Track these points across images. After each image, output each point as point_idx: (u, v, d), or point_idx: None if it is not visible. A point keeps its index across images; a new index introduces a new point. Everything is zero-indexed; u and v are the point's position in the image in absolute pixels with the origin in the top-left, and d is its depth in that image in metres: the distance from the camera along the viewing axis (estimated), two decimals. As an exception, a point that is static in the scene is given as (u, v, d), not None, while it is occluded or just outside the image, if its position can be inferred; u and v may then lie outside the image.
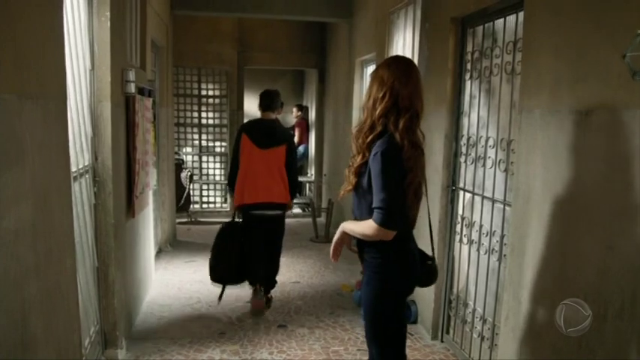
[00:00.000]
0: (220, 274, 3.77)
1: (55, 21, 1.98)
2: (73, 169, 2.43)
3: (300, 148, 9.11)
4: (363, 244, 2.13)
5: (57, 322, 1.97)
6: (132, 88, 3.21)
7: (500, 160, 2.80)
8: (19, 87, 1.65)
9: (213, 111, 7.76)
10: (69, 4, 2.38)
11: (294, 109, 8.94)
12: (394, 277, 2.11)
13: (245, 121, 5.41)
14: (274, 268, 4.13)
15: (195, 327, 3.66)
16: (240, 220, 3.95)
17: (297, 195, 6.82)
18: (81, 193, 2.62)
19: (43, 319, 1.83)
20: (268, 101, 3.99)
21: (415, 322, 3.78)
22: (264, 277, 4.03)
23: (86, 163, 2.71)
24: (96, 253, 2.89)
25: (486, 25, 2.96)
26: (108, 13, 2.81)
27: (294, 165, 4.09)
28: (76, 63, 2.51)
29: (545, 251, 2.31)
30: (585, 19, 2.05)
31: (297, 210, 8.32)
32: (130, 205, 3.38)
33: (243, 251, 3.79)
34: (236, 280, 3.81)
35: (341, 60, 6.62)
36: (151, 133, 4.03)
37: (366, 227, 2.02)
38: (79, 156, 2.56)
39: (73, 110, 2.44)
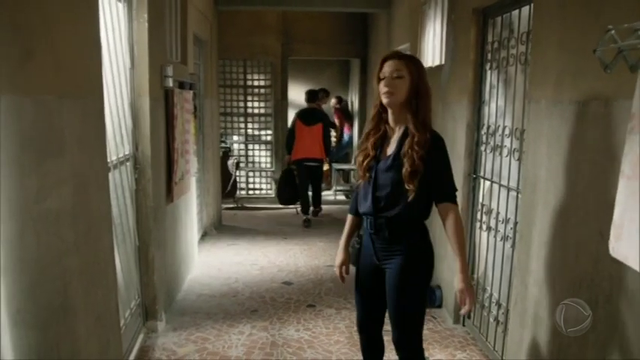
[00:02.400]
0: (285, 199, 6.71)
1: (92, 28, 2.24)
2: (114, 157, 2.72)
3: (345, 137, 9.28)
4: (404, 229, 2.22)
5: (95, 292, 2.25)
6: (170, 83, 3.48)
7: (514, 149, 2.86)
8: (59, 89, 1.91)
9: (259, 101, 8.05)
10: (108, 10, 2.65)
11: (334, 100, 9.19)
12: (432, 257, 2.30)
13: (294, 110, 7.44)
14: (317, 196, 6.78)
15: (230, 304, 3.94)
16: (294, 168, 6.53)
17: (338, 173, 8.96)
18: (122, 179, 2.91)
19: (83, 289, 2.11)
20: (309, 96, 6.65)
21: (440, 306, 3.90)
22: (312, 201, 6.73)
23: (126, 153, 3.00)
24: (137, 233, 3.20)
25: (504, 15, 3.01)
26: (146, 15, 3.07)
27: (328, 135, 6.64)
28: (116, 63, 2.79)
29: (548, 239, 2.38)
30: (586, 13, 2.10)
31: (340, 197, 8.51)
32: (170, 190, 3.67)
33: (296, 185, 6.54)
34: (293, 202, 6.76)
35: (381, 50, 6.70)
36: (192, 124, 4.32)
37: (459, 221, 2.19)
38: (119, 146, 2.85)
39: (113, 105, 2.73)
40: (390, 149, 2.24)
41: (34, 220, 1.69)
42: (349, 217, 2.50)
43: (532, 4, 2.56)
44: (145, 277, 3.31)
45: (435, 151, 2.16)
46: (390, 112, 2.24)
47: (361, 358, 2.58)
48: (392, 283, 2.25)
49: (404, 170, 2.13)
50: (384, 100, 2.18)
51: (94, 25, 2.25)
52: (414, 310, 2.28)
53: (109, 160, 2.54)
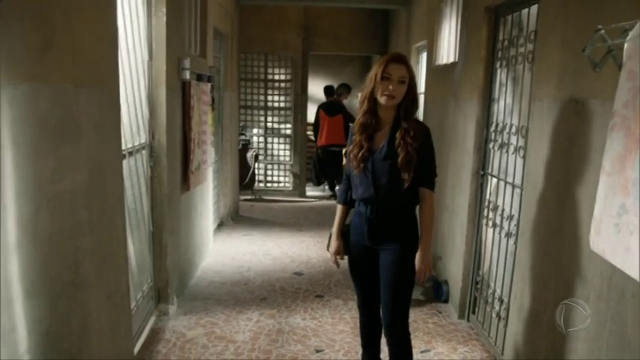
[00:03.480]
0: (317, 181, 8.00)
1: (110, 20, 2.35)
2: (129, 145, 2.84)
3: None
4: (400, 213, 2.38)
5: (107, 271, 2.38)
6: (187, 75, 3.59)
7: (519, 147, 2.89)
8: (77, 77, 2.02)
9: (279, 94, 8.15)
10: (127, 4, 2.77)
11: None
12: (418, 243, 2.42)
13: (314, 104, 8.32)
14: (339, 176, 7.24)
15: (241, 292, 4.05)
16: (320, 153, 7.62)
17: None
18: (137, 166, 3.04)
19: (95, 267, 2.23)
20: (327, 91, 7.74)
21: (446, 301, 3.94)
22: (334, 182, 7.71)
23: (142, 141, 3.12)
24: (151, 219, 3.33)
25: (514, 14, 3.03)
26: (164, 9, 3.19)
27: (348, 126, 7.19)
28: (134, 55, 2.91)
29: (547, 235, 2.42)
30: (585, 13, 2.13)
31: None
32: (186, 179, 3.80)
33: (323, 169, 7.71)
34: (320, 183, 8.12)
35: (401, 46, 6.73)
36: (209, 115, 4.43)
37: (431, 208, 2.37)
38: (135, 135, 2.98)
39: (130, 95, 2.85)
40: (383, 140, 2.36)
41: (49, 199, 1.81)
42: (340, 207, 2.62)
43: (538, 4, 2.59)
44: (158, 262, 3.44)
45: (424, 141, 2.32)
46: (383, 107, 2.35)
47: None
48: (389, 270, 2.40)
49: (399, 160, 2.28)
50: (384, 100, 2.30)
51: (111, 18, 2.36)
52: (407, 292, 2.46)
53: (125, 148, 2.66)
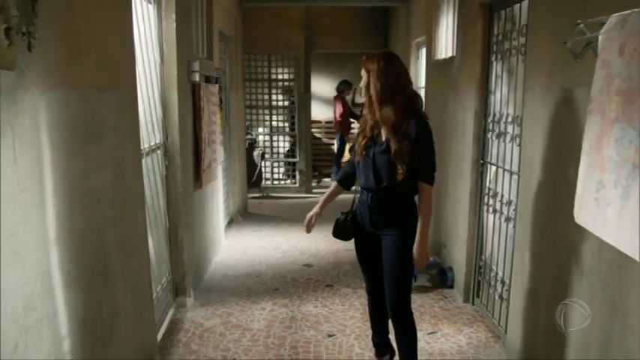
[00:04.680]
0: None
1: (127, 30, 2.52)
2: (146, 145, 3.01)
3: None
4: (398, 201, 2.53)
5: (130, 264, 2.55)
6: (196, 77, 3.76)
7: (516, 135, 3.04)
8: (99, 83, 2.19)
9: (283, 93, 8.30)
10: (140, 11, 2.93)
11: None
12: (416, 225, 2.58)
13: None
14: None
15: (254, 283, 4.22)
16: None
17: None
18: (153, 165, 3.20)
19: (120, 260, 2.40)
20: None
21: (452, 286, 4.09)
22: None
23: (157, 141, 3.29)
24: (167, 216, 3.50)
25: (508, 9, 3.18)
26: (174, 15, 3.35)
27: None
28: (147, 59, 3.07)
29: (543, 217, 2.57)
30: (573, 7, 2.27)
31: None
32: (198, 177, 3.96)
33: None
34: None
35: (400, 42, 6.87)
36: (218, 115, 4.60)
37: (428, 200, 2.49)
38: (150, 135, 3.15)
39: (145, 98, 3.01)
40: (384, 135, 2.53)
41: (80, 196, 1.98)
42: (333, 184, 2.84)
43: None
44: (175, 256, 3.61)
45: (421, 135, 2.45)
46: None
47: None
48: (389, 254, 2.57)
49: (392, 154, 2.45)
50: (363, 91, 2.57)
51: (128, 28, 2.53)
52: (407, 275, 2.62)
53: (142, 148, 2.82)
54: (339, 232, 2.77)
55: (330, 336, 3.32)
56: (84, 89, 2.03)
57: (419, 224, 2.51)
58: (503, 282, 3.25)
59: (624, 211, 1.34)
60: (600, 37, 1.52)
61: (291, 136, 8.46)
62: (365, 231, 2.66)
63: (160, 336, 3.21)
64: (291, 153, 8.53)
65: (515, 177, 3.04)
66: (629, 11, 1.42)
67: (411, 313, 2.65)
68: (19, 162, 1.55)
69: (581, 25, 1.70)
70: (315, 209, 2.78)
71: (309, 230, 2.78)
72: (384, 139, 2.52)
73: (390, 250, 2.55)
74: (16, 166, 1.53)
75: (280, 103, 8.35)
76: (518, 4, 3.00)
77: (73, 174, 1.92)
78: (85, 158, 2.03)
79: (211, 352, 3.11)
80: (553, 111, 2.43)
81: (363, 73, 2.53)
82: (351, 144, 6.86)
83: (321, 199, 2.81)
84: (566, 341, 2.31)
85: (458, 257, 3.99)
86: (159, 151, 3.33)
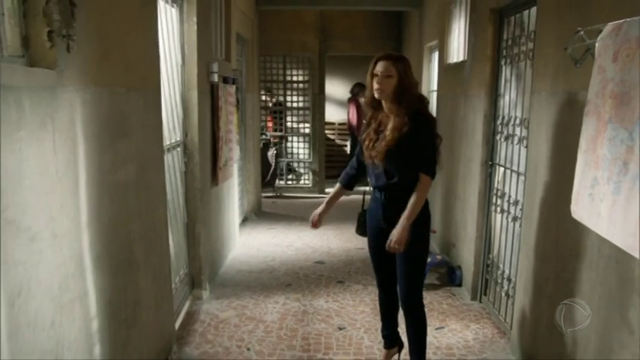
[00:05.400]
0: None
1: (153, 33, 2.67)
2: (167, 142, 3.16)
3: None
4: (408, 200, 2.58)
5: (153, 254, 2.69)
6: (215, 78, 3.91)
7: (523, 137, 3.14)
8: (127, 82, 2.33)
9: (297, 95, 8.45)
10: (164, 15, 3.08)
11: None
12: (430, 222, 2.72)
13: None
14: None
15: (267, 279, 4.36)
16: None
17: None
18: (173, 162, 3.35)
19: (143, 249, 2.55)
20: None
21: (460, 284, 4.19)
22: None
23: (178, 139, 3.44)
24: (186, 211, 3.64)
25: (517, 15, 3.28)
26: (195, 19, 3.50)
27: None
28: (170, 60, 3.23)
29: (547, 216, 2.67)
30: (576, 14, 2.37)
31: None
32: (215, 174, 4.11)
33: None
34: None
35: (413, 46, 6.98)
36: (234, 115, 4.75)
37: (422, 190, 2.56)
38: (171, 133, 3.29)
39: (167, 97, 3.16)
40: (389, 132, 2.59)
41: (109, 187, 2.12)
42: (338, 186, 2.91)
43: (537, 5, 2.83)
44: (192, 250, 3.76)
45: (420, 130, 2.54)
46: (383, 102, 2.62)
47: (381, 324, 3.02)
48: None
49: (392, 147, 2.53)
50: (376, 95, 2.57)
51: (154, 31, 2.68)
52: (420, 268, 2.72)
53: (164, 145, 2.97)
54: (360, 229, 2.96)
55: (340, 329, 3.44)
56: (114, 88, 2.18)
57: (407, 209, 2.54)
58: (509, 280, 3.34)
59: (615, 205, 1.45)
60: (597, 44, 1.63)
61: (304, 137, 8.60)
62: (377, 227, 2.73)
63: (177, 325, 3.36)
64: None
65: (522, 178, 3.14)
66: (622, 20, 1.53)
67: (423, 306, 2.74)
68: (58, 154, 1.70)
69: (581, 32, 1.81)
70: (321, 207, 2.89)
71: (314, 226, 2.89)
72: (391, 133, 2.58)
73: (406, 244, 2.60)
74: (55, 157, 1.68)
75: (295, 104, 8.49)
76: (527, 11, 3.10)
77: (103, 167, 2.07)
78: (114, 153, 2.17)
79: (226, 341, 3.25)
80: (557, 113, 2.53)
81: (390, 71, 2.52)
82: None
83: (328, 198, 2.91)
84: (566, 335, 2.40)
85: (466, 256, 4.09)
86: (179, 149, 3.48)
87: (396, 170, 2.59)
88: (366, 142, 2.67)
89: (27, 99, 1.52)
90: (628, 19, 1.49)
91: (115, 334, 2.18)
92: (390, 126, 2.58)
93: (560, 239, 2.49)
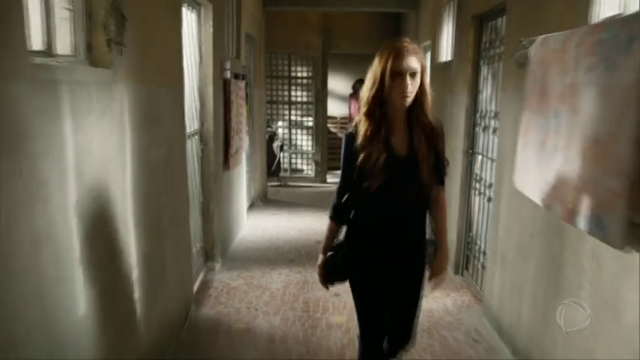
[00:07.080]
0: None
1: (178, 37, 3.15)
2: (187, 130, 3.64)
3: None
4: (422, 228, 2.14)
5: (176, 225, 3.18)
6: (228, 74, 4.39)
7: (496, 128, 3.61)
8: (158, 80, 2.82)
9: (302, 90, 8.94)
10: (185, 18, 3.57)
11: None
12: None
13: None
14: None
15: (272, 255, 4.86)
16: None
17: None
18: (192, 148, 3.84)
19: (169, 221, 3.03)
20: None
21: (445, 262, 4.66)
22: None
23: (195, 128, 3.93)
24: (202, 191, 4.14)
25: (492, 22, 3.74)
26: (211, 22, 3.98)
27: None
28: (189, 59, 3.71)
29: (510, 195, 3.14)
30: (537, 23, 2.83)
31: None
32: (227, 160, 4.60)
33: None
34: None
35: (411, 44, 7.43)
36: (244, 108, 5.23)
37: (445, 205, 2.14)
38: (191, 122, 3.78)
39: (187, 91, 3.65)
40: (402, 144, 2.02)
41: (146, 165, 2.61)
42: (333, 226, 2.23)
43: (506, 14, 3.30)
44: (207, 227, 4.25)
45: (440, 138, 2.09)
46: (393, 107, 1.99)
47: None
48: (414, 285, 2.20)
49: (425, 165, 1.99)
50: (401, 101, 1.94)
51: (178, 36, 3.17)
52: (420, 303, 2.27)
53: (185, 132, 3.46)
54: (336, 274, 2.31)
55: (336, 295, 3.93)
56: (149, 84, 2.67)
57: (441, 230, 2.15)
58: (484, 253, 3.82)
59: (535, 174, 1.91)
60: (531, 52, 2.10)
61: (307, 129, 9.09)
62: (382, 260, 2.12)
63: (194, 290, 3.86)
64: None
65: (495, 164, 3.61)
66: (549, 34, 2.00)
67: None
68: (112, 137, 2.19)
69: (524, 42, 2.28)
70: (320, 259, 2.33)
71: (327, 286, 2.37)
72: (402, 149, 2.01)
73: (417, 281, 2.19)
74: (110, 139, 2.17)
75: (299, 99, 8.97)
76: (500, 18, 3.56)
77: (142, 148, 2.56)
78: (149, 137, 2.66)
79: (237, 303, 3.75)
80: (520, 107, 2.99)
81: (417, 68, 1.92)
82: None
83: (323, 244, 2.31)
84: (523, 295, 2.89)
85: (450, 235, 4.55)
86: (196, 136, 3.97)
87: (418, 189, 2.03)
88: (372, 161, 1.97)
89: (94, 92, 2.01)
90: (550, 35, 1.96)
91: (148, 285, 2.67)
92: (416, 139, 2.00)
93: (521, 214, 2.96)
